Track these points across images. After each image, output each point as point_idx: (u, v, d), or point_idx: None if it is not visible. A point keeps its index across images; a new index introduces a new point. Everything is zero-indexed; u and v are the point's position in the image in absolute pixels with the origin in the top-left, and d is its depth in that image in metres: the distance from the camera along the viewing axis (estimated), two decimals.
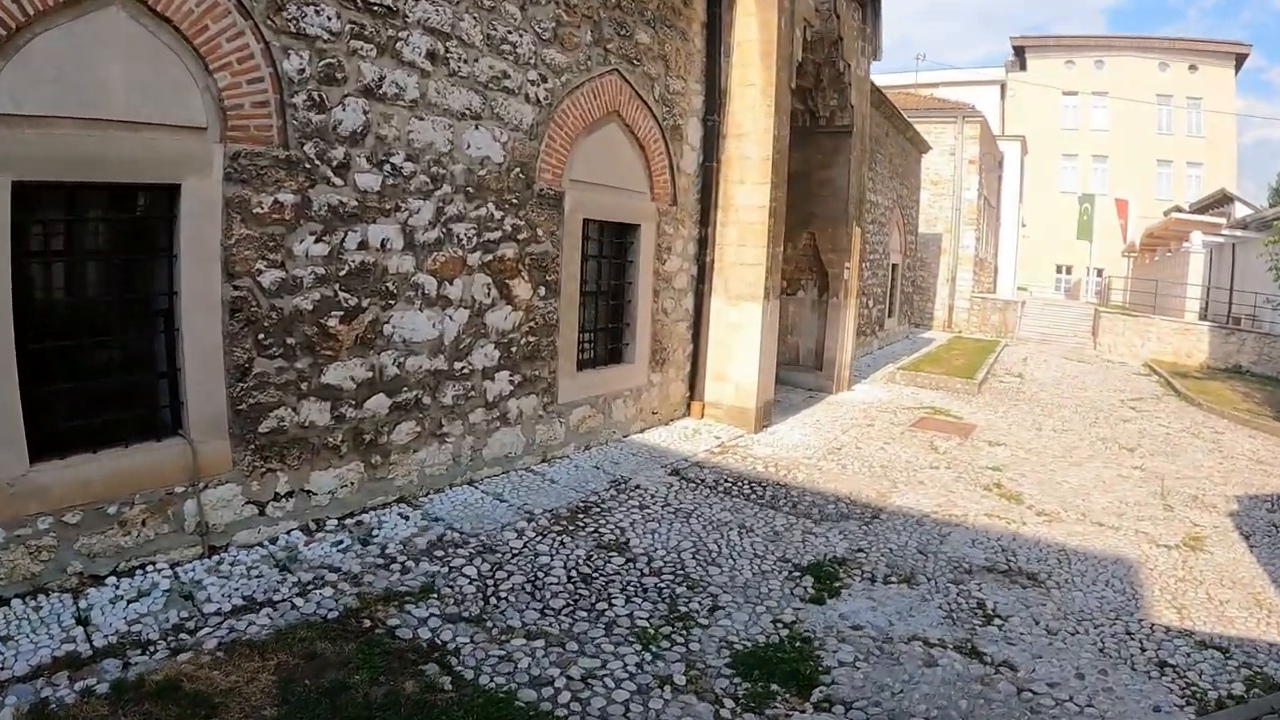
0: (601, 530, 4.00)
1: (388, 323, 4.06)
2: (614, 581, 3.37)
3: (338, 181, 3.72)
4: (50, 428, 2.93)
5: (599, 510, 4.31)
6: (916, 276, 17.64)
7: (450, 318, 4.39)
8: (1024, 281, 29.08)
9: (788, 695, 2.61)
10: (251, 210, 3.40)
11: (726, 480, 5.15)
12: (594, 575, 3.42)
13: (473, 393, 4.60)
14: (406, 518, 3.97)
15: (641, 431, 6.21)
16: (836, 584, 3.61)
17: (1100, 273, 27.90)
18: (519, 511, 4.19)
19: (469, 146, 4.34)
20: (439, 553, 3.56)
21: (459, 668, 2.61)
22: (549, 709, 2.42)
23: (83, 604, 2.77)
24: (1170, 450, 7.50)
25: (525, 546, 3.71)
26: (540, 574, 3.41)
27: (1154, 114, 29.87)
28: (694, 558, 3.72)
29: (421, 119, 4.07)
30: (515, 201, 4.68)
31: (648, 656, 2.77)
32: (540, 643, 2.81)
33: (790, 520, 4.45)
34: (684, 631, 2.96)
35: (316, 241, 3.67)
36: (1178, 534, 4.86)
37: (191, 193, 3.19)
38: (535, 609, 3.08)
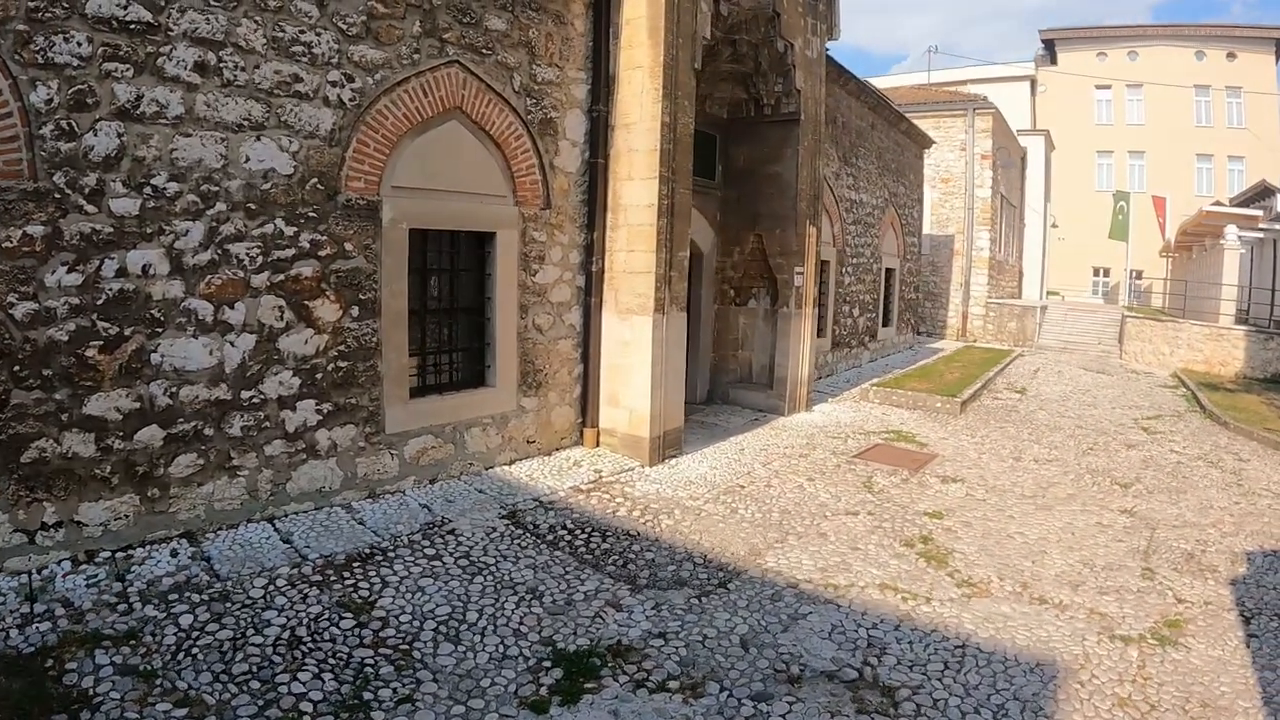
0: (362, 584, 4.01)
1: (155, 351, 4.20)
2: (321, 650, 3.36)
3: (91, 209, 3.91)
4: None
5: (382, 559, 4.34)
6: (924, 281, 17.94)
7: (232, 344, 4.51)
8: (1058, 285, 30.42)
9: None
10: (1, 245, 3.64)
11: (566, 527, 5.08)
12: (306, 639, 3.43)
13: (267, 423, 4.71)
14: (176, 555, 4.12)
15: (511, 463, 6.22)
16: (588, 685, 3.22)
17: (1139, 275, 28.87)
18: (294, 555, 4.26)
19: (248, 160, 4.45)
20: (173, 596, 3.67)
21: None
22: None
23: None
24: (1176, 486, 6.99)
25: (264, 597, 3.77)
26: (251, 631, 3.44)
27: (1191, 106, 31.33)
28: (439, 629, 3.63)
29: (188, 135, 4.20)
30: (314, 215, 4.78)
31: None
32: (183, 713, 2.84)
33: (602, 585, 4.26)
34: None
35: (70, 271, 3.88)
36: (1149, 616, 4.17)
37: None
38: (214, 672, 3.12)
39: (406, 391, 5.40)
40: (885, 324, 13.60)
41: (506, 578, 4.26)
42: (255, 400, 4.64)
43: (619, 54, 6.49)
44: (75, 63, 3.77)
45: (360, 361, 5.11)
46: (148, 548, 4.16)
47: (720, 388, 9.38)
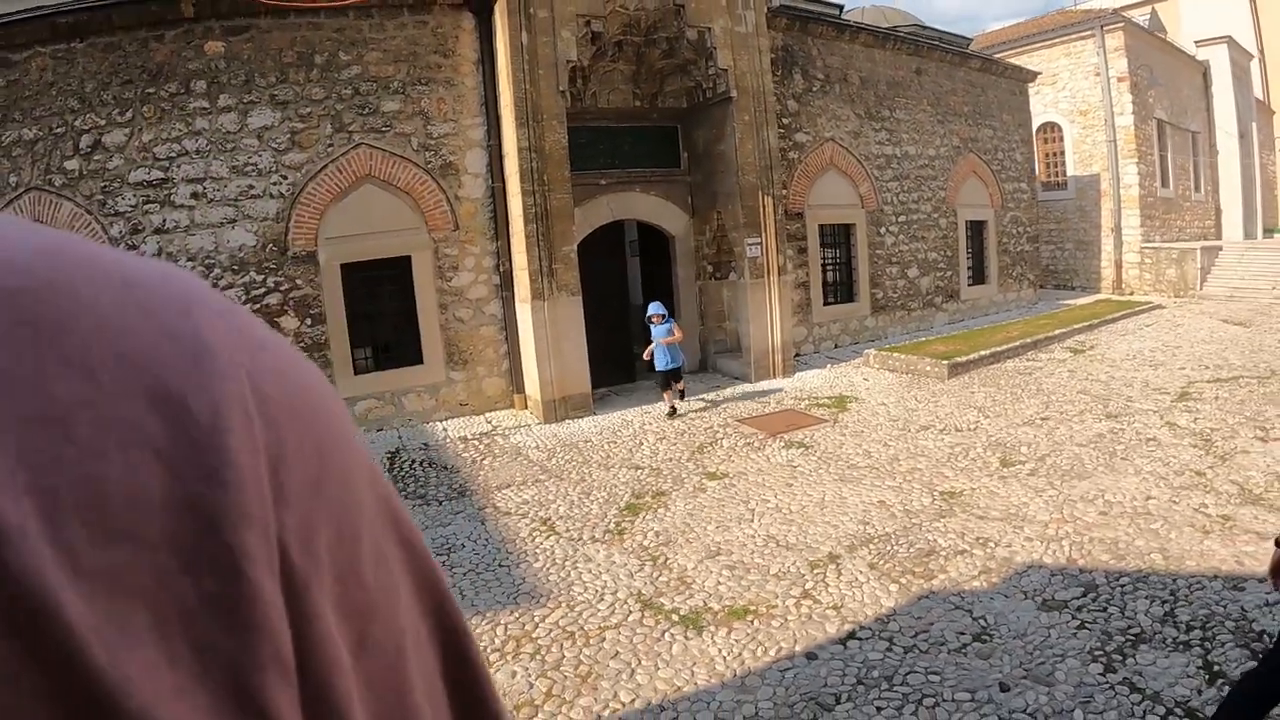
0: None
1: None
2: None
3: None
4: None
5: None
6: (1071, 229, 19.39)
7: None
8: None
9: None
10: None
11: (416, 460, 8.79)
12: None
13: None
14: None
15: (444, 420, 10.33)
16: None
17: None
18: None
19: (229, 241, 9.37)
20: None
21: None
22: None
23: None
24: (1091, 469, 6.81)
25: None
26: None
27: None
28: None
29: (192, 235, 9.29)
30: (273, 265, 9.53)
31: None
32: None
33: None
34: None
35: None
36: (715, 602, 4.76)
37: None
38: None
39: (350, 369, 9.93)
40: (978, 281, 13.91)
41: None
42: None
43: (500, 96, 9.96)
44: (132, 206, 9.05)
45: (314, 353, 9.79)
46: None
47: (710, 357, 11.98)
